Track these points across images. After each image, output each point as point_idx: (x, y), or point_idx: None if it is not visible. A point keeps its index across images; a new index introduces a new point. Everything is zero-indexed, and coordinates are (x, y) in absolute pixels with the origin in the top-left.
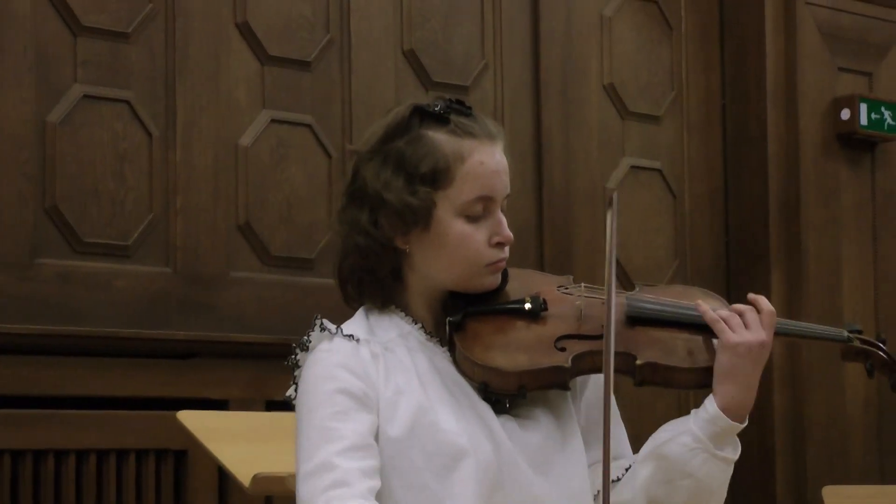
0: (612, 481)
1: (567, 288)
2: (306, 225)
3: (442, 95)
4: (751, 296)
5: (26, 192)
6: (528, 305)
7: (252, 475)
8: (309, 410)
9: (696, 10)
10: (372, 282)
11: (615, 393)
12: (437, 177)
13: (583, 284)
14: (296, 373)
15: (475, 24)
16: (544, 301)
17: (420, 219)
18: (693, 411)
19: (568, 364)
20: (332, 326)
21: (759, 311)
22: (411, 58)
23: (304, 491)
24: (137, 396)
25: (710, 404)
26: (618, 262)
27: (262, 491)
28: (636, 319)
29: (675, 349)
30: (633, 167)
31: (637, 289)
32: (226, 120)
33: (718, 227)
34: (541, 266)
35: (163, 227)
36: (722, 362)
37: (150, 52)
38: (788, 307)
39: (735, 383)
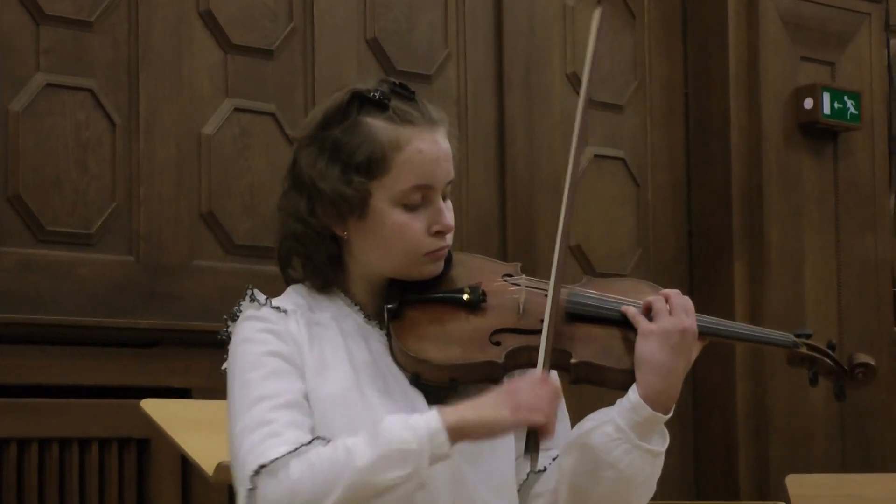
0: (539, 471)
1: (512, 277)
2: (269, 214)
3: (386, 79)
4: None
5: None
6: (465, 296)
7: (216, 464)
8: (242, 372)
9: (658, 0)
10: (311, 267)
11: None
12: (373, 166)
13: (524, 276)
14: (229, 347)
15: (439, 13)
16: (483, 292)
17: (355, 209)
18: (618, 401)
19: (501, 359)
20: (262, 297)
21: (667, 299)
22: (374, 46)
23: (241, 446)
24: (100, 385)
25: (633, 393)
26: (580, 251)
27: (226, 480)
28: (576, 316)
29: (612, 348)
30: (596, 156)
31: (584, 280)
32: (189, 109)
33: (681, 216)
34: (504, 256)
35: (126, 215)
36: (640, 350)
37: (113, 41)
38: (751, 296)
39: (655, 373)
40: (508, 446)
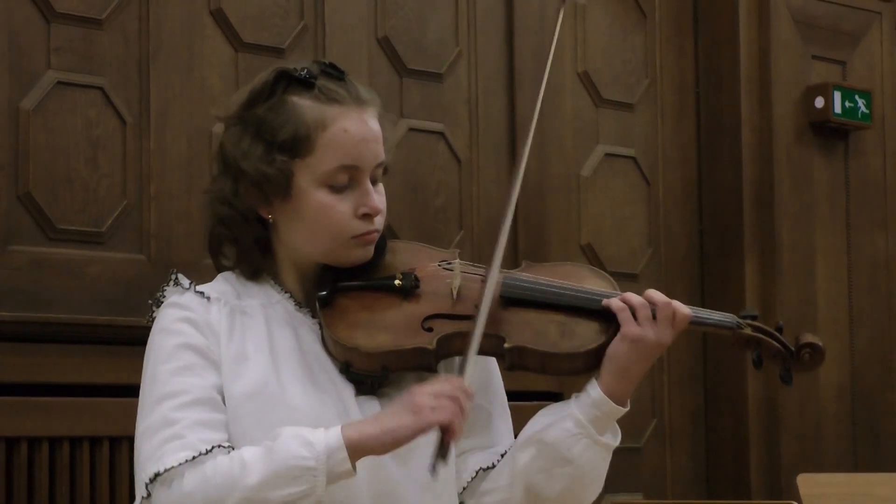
0: (487, 468)
1: (449, 263)
2: None
3: (318, 60)
4: (653, 294)
5: None
6: (398, 282)
7: None
8: (153, 365)
9: None
10: (241, 252)
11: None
12: (297, 145)
13: (459, 261)
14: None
15: (449, 12)
16: (416, 278)
17: (279, 189)
18: (574, 396)
19: (432, 346)
20: (186, 282)
21: (656, 307)
22: (385, 45)
23: (141, 448)
24: (111, 384)
25: (594, 389)
26: (591, 249)
27: None
28: (511, 300)
29: (546, 333)
30: (607, 155)
31: (523, 264)
32: (199, 107)
33: (692, 215)
34: (515, 253)
35: (136, 213)
36: (618, 352)
37: (124, 39)
38: (762, 295)
39: (622, 374)
40: None
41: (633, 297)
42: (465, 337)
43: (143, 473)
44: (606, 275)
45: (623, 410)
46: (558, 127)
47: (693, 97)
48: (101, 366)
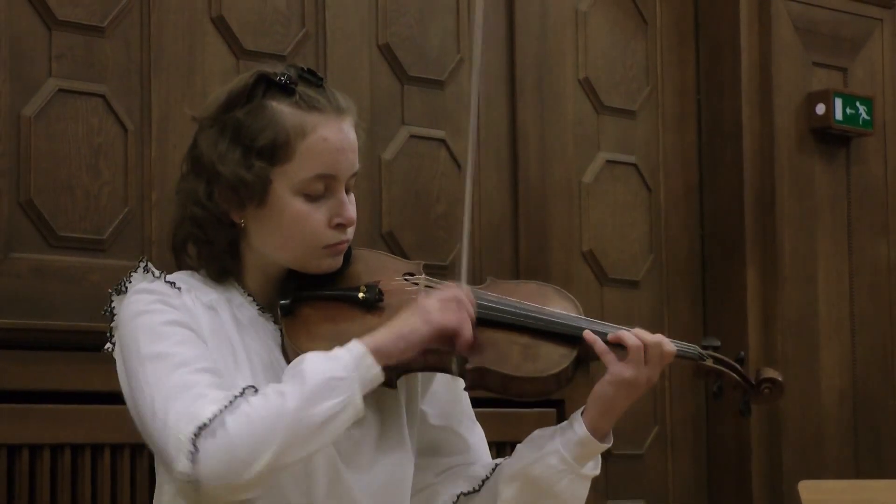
0: (468, 493)
1: (412, 276)
2: None
3: (295, 65)
4: (642, 334)
5: (0, 186)
6: (361, 295)
7: None
8: (148, 345)
9: (670, 5)
10: (209, 253)
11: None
12: (276, 151)
13: (424, 276)
14: (112, 324)
15: (450, 19)
16: (380, 291)
17: (255, 194)
18: (559, 429)
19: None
20: (157, 271)
21: (646, 348)
22: (386, 52)
23: (166, 417)
24: (112, 391)
25: (580, 427)
26: (592, 256)
27: None
28: (477, 320)
29: (509, 355)
30: (608, 161)
31: (487, 281)
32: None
33: (694, 221)
34: (516, 261)
35: (138, 221)
36: (605, 392)
37: (126, 46)
38: (763, 301)
39: (608, 412)
40: (403, 458)
41: (626, 338)
42: (427, 353)
43: (182, 434)
44: (571, 296)
45: (606, 447)
46: (559, 133)
47: (694, 104)
48: (103, 373)
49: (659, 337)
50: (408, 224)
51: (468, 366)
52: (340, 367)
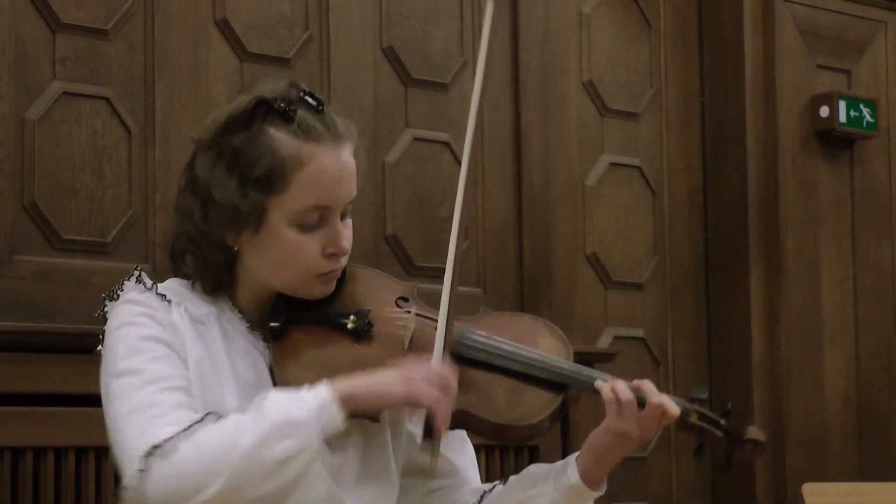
0: None
1: (406, 302)
2: None
3: (297, 84)
4: (645, 388)
5: (4, 188)
6: (350, 325)
7: None
8: (123, 358)
9: (674, 8)
10: (204, 268)
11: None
12: (272, 181)
13: (415, 309)
14: (104, 327)
15: (454, 22)
16: (370, 322)
17: (249, 223)
18: (553, 471)
19: None
20: (149, 282)
21: (647, 405)
22: (390, 55)
23: (126, 429)
24: None
25: (573, 474)
26: (596, 259)
27: None
28: (461, 359)
29: (493, 399)
30: (612, 164)
31: (480, 311)
32: (205, 117)
33: (697, 224)
34: (520, 264)
35: (142, 224)
36: (601, 441)
37: (130, 49)
38: (767, 304)
39: (604, 461)
40: (388, 487)
41: (621, 392)
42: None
43: (136, 450)
44: (562, 335)
45: (597, 495)
46: (563, 136)
47: (698, 106)
48: None
49: (661, 398)
50: (411, 227)
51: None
52: (303, 411)
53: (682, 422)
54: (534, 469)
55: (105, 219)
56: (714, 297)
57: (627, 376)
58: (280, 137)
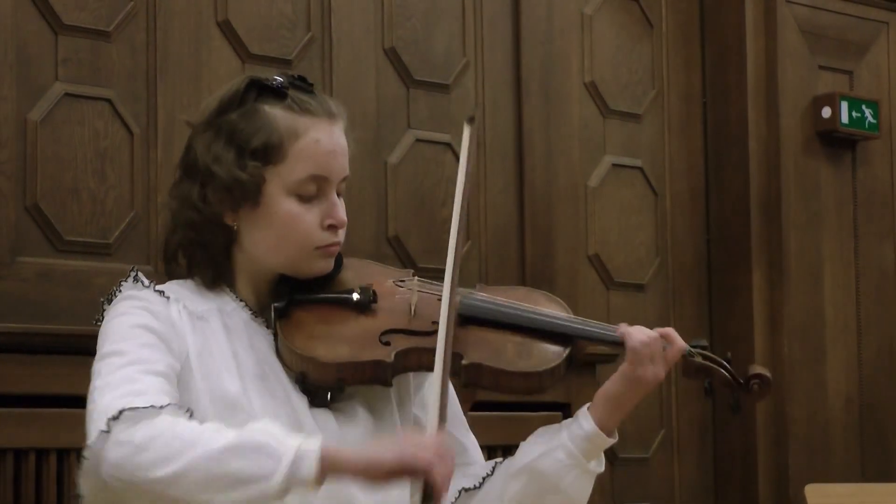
0: (469, 489)
1: (403, 282)
2: None
3: (285, 73)
4: (664, 330)
5: (6, 190)
6: (356, 296)
7: None
8: (112, 343)
9: (676, 9)
10: (203, 257)
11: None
12: (269, 152)
13: (416, 279)
14: (101, 325)
15: (456, 23)
16: (374, 293)
17: (249, 195)
18: (565, 424)
19: (390, 359)
20: (146, 280)
21: (671, 345)
22: (392, 56)
23: (98, 401)
24: None
25: (587, 422)
26: (598, 260)
27: None
28: (468, 318)
29: (504, 352)
30: (614, 165)
31: (476, 287)
32: None
33: (699, 225)
34: (522, 264)
35: (144, 225)
36: (617, 388)
37: (132, 51)
38: (770, 305)
39: (618, 409)
40: None
41: (648, 334)
42: (421, 353)
43: (102, 414)
44: (561, 301)
45: (612, 441)
46: (565, 137)
47: (700, 107)
48: None
49: (668, 331)
50: (413, 228)
51: (464, 362)
52: (281, 446)
53: (688, 363)
54: (544, 429)
55: (107, 220)
56: (716, 298)
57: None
58: (275, 112)
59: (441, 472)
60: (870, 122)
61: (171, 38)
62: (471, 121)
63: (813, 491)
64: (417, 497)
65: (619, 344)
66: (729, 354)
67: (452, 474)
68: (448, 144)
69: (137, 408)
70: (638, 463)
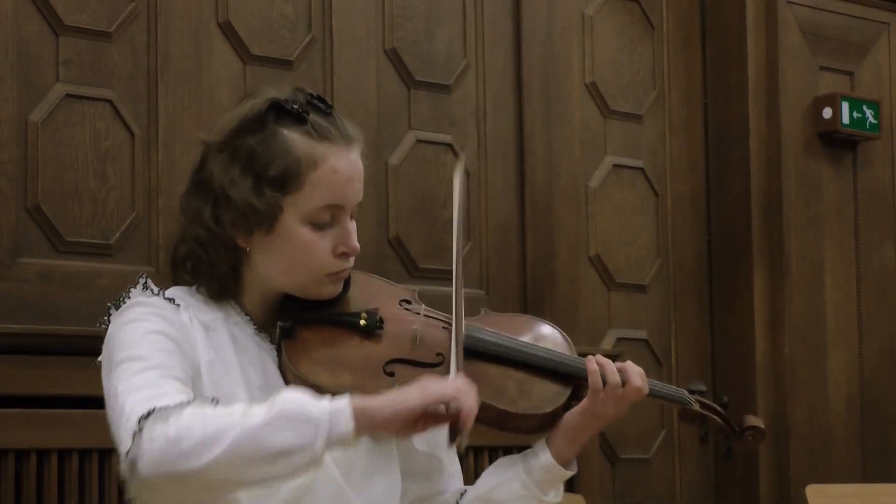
0: None
1: (410, 304)
2: None
3: (302, 89)
4: (622, 365)
5: (8, 191)
6: (362, 322)
7: None
8: (128, 349)
9: (677, 9)
10: (210, 274)
11: None
12: (287, 181)
13: (423, 306)
14: (108, 333)
15: (457, 24)
16: (381, 319)
17: (264, 222)
18: (522, 456)
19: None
20: (156, 287)
21: (628, 386)
22: (393, 57)
23: (123, 404)
24: None
25: (544, 454)
26: (599, 260)
27: None
28: (472, 352)
29: (505, 390)
30: (615, 166)
31: (482, 313)
32: (208, 119)
33: (700, 225)
34: (523, 266)
35: (145, 226)
36: (576, 422)
37: (133, 52)
38: (771, 305)
39: (575, 441)
40: (394, 482)
41: (609, 374)
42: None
43: (131, 415)
44: (564, 334)
45: (570, 474)
46: (566, 138)
47: (701, 108)
48: None
49: (639, 372)
50: (414, 229)
51: None
52: (315, 409)
53: (685, 411)
54: (504, 459)
55: (108, 221)
56: (717, 299)
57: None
58: (294, 138)
59: (465, 403)
60: (871, 123)
61: (172, 39)
62: (459, 156)
63: (814, 491)
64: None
65: (573, 376)
66: (725, 399)
67: (477, 408)
68: (449, 145)
69: (170, 405)
70: (639, 463)
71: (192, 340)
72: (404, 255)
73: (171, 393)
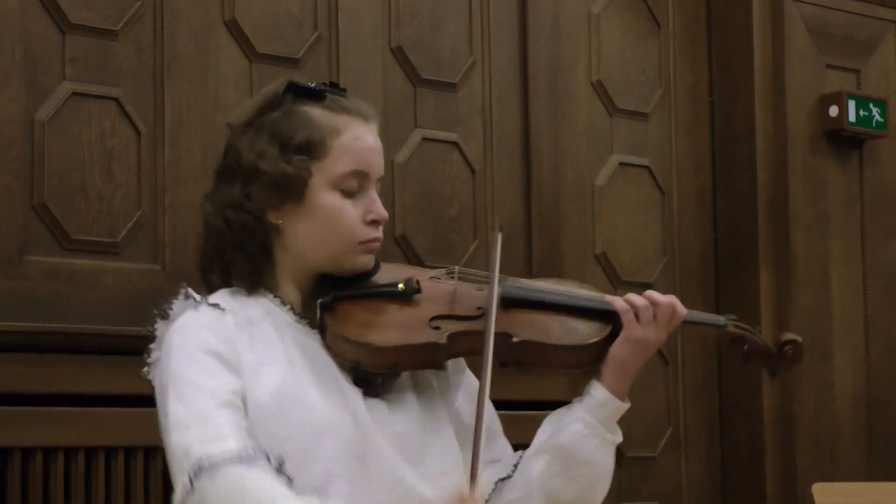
0: (504, 479)
1: (440, 277)
2: None
3: (318, 82)
4: (654, 295)
5: (14, 189)
6: (400, 287)
7: None
8: (178, 369)
9: (683, 8)
10: (241, 260)
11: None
12: (312, 147)
13: (457, 268)
14: (152, 345)
15: (463, 22)
16: (418, 282)
17: (294, 189)
18: (577, 400)
19: (443, 340)
20: (198, 296)
21: (658, 307)
22: (399, 55)
23: (178, 442)
24: (126, 394)
25: (598, 390)
26: (605, 258)
27: None
28: (511, 301)
29: (550, 328)
30: (621, 164)
31: (510, 281)
32: (214, 117)
33: (706, 224)
34: (529, 263)
35: (151, 224)
36: (621, 352)
37: (139, 50)
38: (777, 303)
39: (625, 373)
40: (453, 447)
41: (636, 299)
42: (471, 335)
43: (185, 462)
44: (591, 287)
45: (626, 406)
46: (572, 136)
47: (707, 106)
48: (116, 376)
49: (670, 297)
50: (421, 227)
51: (514, 340)
52: None
53: (724, 333)
54: (557, 410)
55: (114, 219)
56: (723, 297)
57: (636, 376)
58: (314, 112)
59: None
60: (877, 121)
61: (179, 37)
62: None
63: (820, 490)
64: None
65: (612, 313)
66: (759, 327)
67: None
68: (455, 143)
69: (214, 458)
70: (645, 462)
71: (239, 346)
72: (410, 252)
73: (222, 433)
